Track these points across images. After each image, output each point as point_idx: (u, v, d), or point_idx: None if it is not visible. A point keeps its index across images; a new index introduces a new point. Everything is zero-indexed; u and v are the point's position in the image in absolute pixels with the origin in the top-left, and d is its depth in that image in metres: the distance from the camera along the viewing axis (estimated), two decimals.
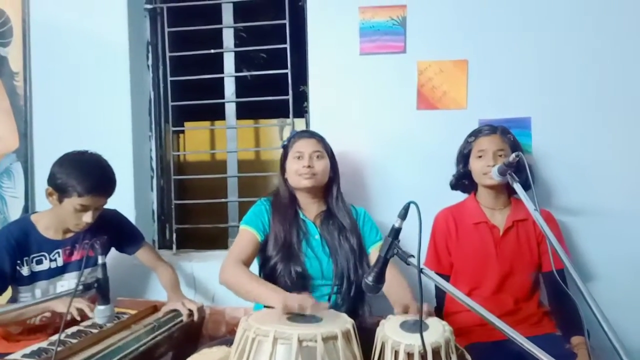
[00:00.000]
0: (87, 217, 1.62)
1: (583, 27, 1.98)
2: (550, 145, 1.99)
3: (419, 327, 1.02)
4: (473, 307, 0.96)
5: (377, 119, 2.10)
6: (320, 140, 1.75)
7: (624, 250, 1.95)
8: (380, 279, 1.10)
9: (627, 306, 1.85)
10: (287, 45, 2.26)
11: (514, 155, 1.37)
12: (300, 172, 1.68)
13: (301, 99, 2.34)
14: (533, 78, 2.00)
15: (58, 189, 1.59)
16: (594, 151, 1.98)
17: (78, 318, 1.50)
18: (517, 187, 1.39)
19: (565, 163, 1.99)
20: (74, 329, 1.51)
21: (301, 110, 2.37)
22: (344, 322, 1.19)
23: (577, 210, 1.98)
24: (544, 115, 2.00)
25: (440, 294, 1.84)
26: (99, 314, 1.29)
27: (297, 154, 1.70)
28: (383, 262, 1.09)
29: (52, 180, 1.61)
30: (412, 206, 1.04)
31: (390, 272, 1.21)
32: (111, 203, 1.74)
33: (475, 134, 1.82)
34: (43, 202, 1.76)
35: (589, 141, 1.98)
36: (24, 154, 2.29)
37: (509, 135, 1.78)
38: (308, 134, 1.79)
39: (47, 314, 1.63)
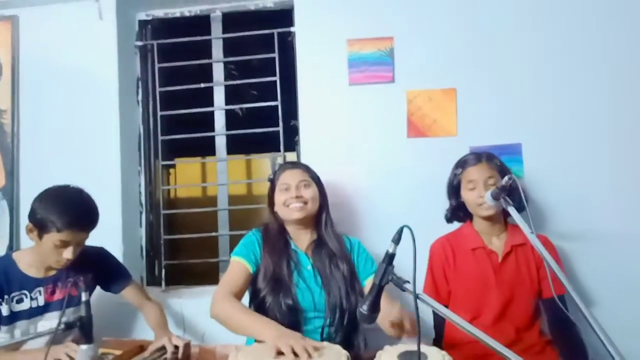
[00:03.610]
0: (68, 253, 1.57)
1: (571, 53, 2.01)
2: (542, 170, 1.99)
3: (417, 357, 0.97)
4: (474, 333, 0.92)
5: (368, 148, 2.10)
6: (306, 169, 1.75)
7: (623, 273, 1.91)
8: (375, 307, 1.06)
9: (629, 331, 1.80)
10: (277, 78, 2.27)
11: (506, 178, 1.36)
12: (288, 203, 1.66)
13: (292, 132, 2.33)
14: (522, 104, 2.02)
15: (38, 224, 1.55)
16: (586, 175, 1.98)
17: None
18: (512, 210, 1.37)
19: (558, 188, 1.98)
20: None
21: (292, 144, 2.36)
22: (339, 355, 1.14)
23: (572, 235, 1.95)
24: (534, 141, 2.00)
25: (439, 324, 1.78)
26: (82, 354, 1.23)
27: (283, 185, 1.69)
28: (378, 290, 1.05)
29: (32, 215, 1.56)
30: (405, 230, 1.01)
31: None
32: (98, 239, 1.69)
33: (462, 164, 1.78)
34: (28, 240, 1.71)
35: (581, 165, 1.98)
36: (10, 192, 2.25)
37: (495, 160, 1.76)
38: (291, 164, 1.80)
39: None
